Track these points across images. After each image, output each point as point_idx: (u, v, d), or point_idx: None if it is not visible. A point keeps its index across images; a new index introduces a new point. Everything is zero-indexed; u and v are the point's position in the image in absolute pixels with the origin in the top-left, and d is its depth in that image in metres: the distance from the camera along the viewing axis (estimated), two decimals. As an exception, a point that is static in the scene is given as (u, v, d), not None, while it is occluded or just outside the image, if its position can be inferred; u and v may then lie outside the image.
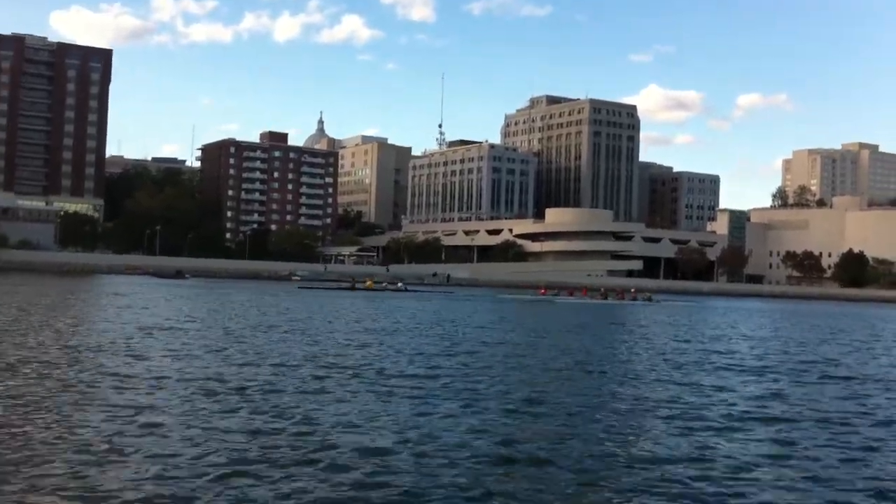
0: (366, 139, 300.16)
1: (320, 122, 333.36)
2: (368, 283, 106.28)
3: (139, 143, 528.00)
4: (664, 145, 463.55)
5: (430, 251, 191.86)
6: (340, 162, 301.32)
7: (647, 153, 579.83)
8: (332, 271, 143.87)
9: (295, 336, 34.45)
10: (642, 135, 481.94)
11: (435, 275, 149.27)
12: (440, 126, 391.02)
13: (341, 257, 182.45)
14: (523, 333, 42.58)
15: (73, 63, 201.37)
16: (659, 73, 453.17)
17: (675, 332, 48.39)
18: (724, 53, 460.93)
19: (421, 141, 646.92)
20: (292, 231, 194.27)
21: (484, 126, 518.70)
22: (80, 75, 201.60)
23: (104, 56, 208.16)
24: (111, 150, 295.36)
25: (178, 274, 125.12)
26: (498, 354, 30.25)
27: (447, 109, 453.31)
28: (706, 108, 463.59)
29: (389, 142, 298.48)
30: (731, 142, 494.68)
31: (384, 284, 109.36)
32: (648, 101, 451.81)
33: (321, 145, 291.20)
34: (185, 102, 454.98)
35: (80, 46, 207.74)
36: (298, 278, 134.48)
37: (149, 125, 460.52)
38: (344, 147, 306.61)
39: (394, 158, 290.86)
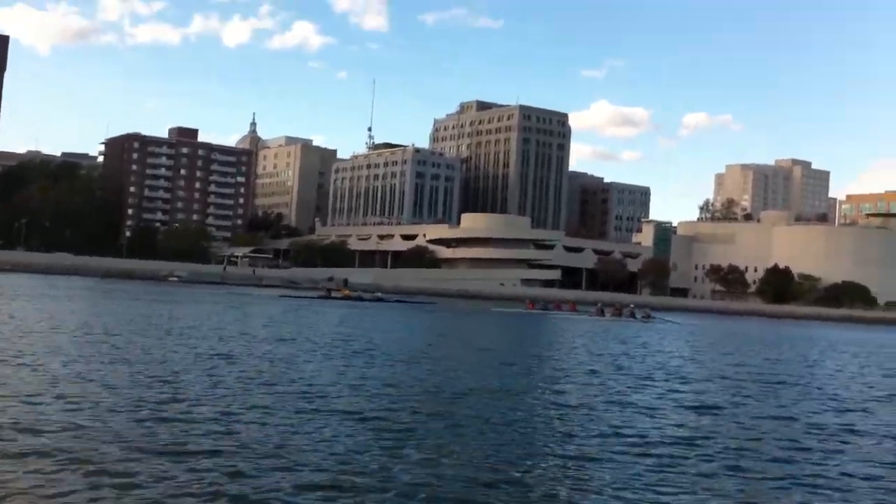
0: (290, 140, 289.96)
1: (252, 123, 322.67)
2: (345, 291, 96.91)
3: (72, 141, 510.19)
4: (611, 160, 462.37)
5: (337, 255, 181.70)
6: (263, 163, 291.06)
7: (593, 167, 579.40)
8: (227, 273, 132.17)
9: None
10: (590, 149, 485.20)
11: (331, 279, 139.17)
12: (370, 130, 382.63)
13: (234, 258, 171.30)
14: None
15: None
16: (609, 89, 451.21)
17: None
18: (673, 72, 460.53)
19: (354, 146, 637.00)
20: (184, 229, 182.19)
21: (417, 132, 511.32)
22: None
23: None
24: (29, 146, 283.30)
25: None
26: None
27: (386, 116, 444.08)
28: (654, 126, 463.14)
29: (323, 146, 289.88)
30: (677, 159, 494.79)
31: (358, 293, 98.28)
32: (598, 116, 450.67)
33: (245, 145, 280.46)
34: (126, 103, 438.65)
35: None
36: (176, 279, 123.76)
37: (85, 124, 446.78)
38: (268, 147, 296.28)
39: (318, 160, 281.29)
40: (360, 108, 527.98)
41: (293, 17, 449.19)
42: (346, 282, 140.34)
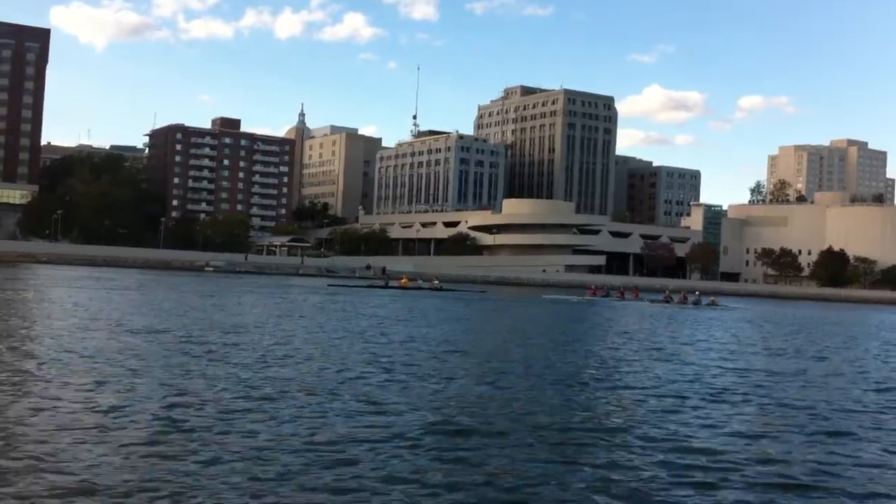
0: (335, 129, 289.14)
1: (301, 114, 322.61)
2: (404, 280, 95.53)
3: (124, 135, 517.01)
4: (665, 145, 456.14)
5: (377, 243, 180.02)
6: (309, 153, 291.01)
7: (646, 153, 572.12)
8: (251, 261, 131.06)
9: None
10: (643, 134, 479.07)
11: (368, 267, 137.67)
12: (415, 118, 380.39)
13: (273, 247, 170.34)
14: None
15: (6, 42, 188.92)
16: (661, 73, 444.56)
17: None
18: (726, 55, 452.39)
19: (403, 135, 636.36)
20: (223, 219, 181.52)
21: (464, 120, 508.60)
22: (16, 55, 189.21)
23: (41, 36, 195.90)
24: (81, 139, 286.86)
25: None
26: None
27: (434, 104, 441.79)
28: (708, 109, 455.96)
29: (372, 135, 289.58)
30: (731, 142, 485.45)
31: (418, 282, 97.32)
32: (650, 101, 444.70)
33: (290, 136, 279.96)
34: (179, 98, 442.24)
35: (13, 25, 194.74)
36: (212, 269, 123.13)
37: (138, 119, 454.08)
38: (313, 137, 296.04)
39: (363, 149, 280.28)
40: (409, 97, 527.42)
41: (344, 8, 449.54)
42: (383, 270, 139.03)
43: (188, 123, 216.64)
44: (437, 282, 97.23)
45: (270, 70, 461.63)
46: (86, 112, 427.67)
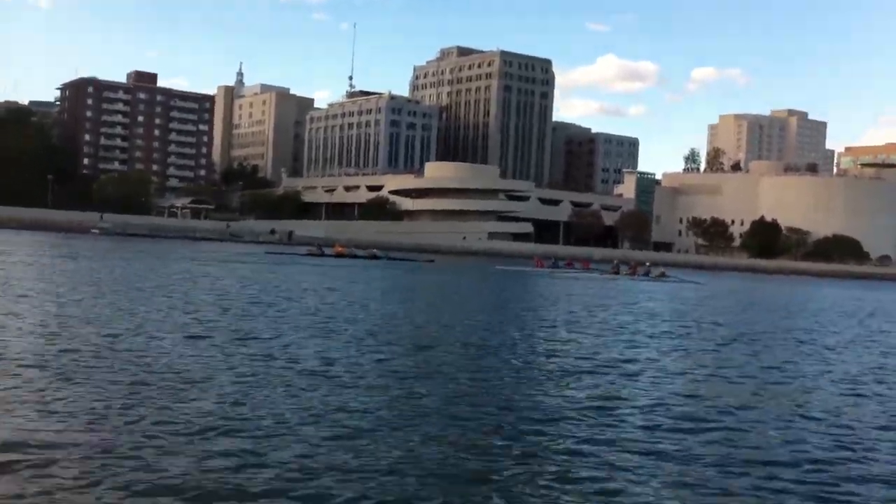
0: (265, 88, 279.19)
1: (239, 73, 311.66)
2: (339, 248, 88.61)
3: (50, 91, 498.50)
4: (618, 116, 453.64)
5: (291, 206, 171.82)
6: (239, 112, 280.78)
7: (600, 123, 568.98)
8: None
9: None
10: (598, 104, 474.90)
11: (273, 232, 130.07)
12: (350, 78, 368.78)
13: (175, 209, 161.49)
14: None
15: None
16: (617, 42, 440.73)
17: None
18: (681, 25, 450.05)
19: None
20: (122, 178, 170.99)
21: (403, 80, 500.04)
22: None
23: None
24: (8, 95, 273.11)
25: None
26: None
27: (375, 64, 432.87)
28: (661, 80, 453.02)
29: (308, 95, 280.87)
30: (681, 113, 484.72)
31: (351, 250, 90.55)
32: (605, 70, 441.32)
33: (219, 95, 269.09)
34: (121, 53, 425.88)
35: None
36: (98, 231, 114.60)
37: (70, 74, 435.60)
38: (243, 96, 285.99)
39: (294, 110, 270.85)
40: (355, 57, 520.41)
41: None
42: (290, 235, 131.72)
43: (120, 80, 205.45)
44: (375, 251, 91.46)
45: (216, 27, 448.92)
46: (20, 68, 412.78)
